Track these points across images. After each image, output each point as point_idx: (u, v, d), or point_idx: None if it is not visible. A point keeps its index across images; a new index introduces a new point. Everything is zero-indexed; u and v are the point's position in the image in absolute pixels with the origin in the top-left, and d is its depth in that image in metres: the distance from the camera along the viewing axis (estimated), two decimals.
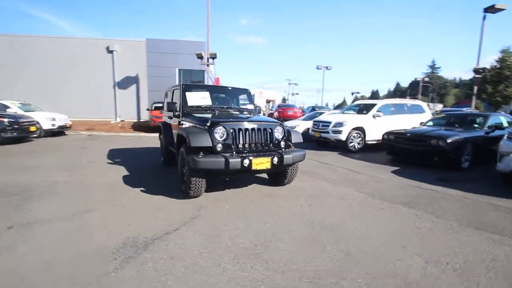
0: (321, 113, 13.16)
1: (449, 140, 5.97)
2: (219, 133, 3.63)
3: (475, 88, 15.65)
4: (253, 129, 3.85)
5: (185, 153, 3.70)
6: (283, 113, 16.25)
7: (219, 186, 4.34)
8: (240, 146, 3.75)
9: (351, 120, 8.77)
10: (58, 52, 16.79)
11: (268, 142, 3.96)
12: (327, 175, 5.51)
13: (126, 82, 17.34)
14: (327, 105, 59.61)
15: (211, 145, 3.52)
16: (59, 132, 11.04)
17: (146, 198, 3.88)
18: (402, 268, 2.20)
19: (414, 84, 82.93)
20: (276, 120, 4.28)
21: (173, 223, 3.01)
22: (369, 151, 8.55)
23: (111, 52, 16.80)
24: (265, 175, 4.87)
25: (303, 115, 15.76)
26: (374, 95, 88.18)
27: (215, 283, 1.96)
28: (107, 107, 17.08)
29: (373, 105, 9.40)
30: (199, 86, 5.13)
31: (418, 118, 9.72)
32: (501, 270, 2.18)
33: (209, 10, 13.08)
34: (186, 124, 4.29)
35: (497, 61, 18.57)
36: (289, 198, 3.98)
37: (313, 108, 17.44)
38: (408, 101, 10.53)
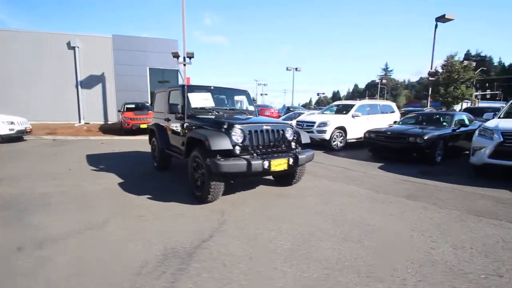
0: (298, 113, 13.60)
1: (425, 137, 6.62)
2: (237, 135, 3.59)
3: (430, 89, 17.46)
4: (267, 130, 3.88)
5: (201, 156, 3.59)
6: (260, 113, 16.39)
7: (228, 189, 4.28)
8: (256, 148, 3.75)
9: (334, 120, 9.22)
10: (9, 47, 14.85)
11: (281, 143, 4.02)
12: (324, 173, 5.74)
13: (91, 81, 16.00)
14: (299, 105, 61.31)
15: (231, 147, 3.47)
16: (17, 137, 9.80)
17: (158, 205, 3.67)
18: (438, 255, 2.42)
19: (370, 86, 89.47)
20: (285, 122, 4.35)
21: (203, 229, 2.91)
22: (350, 149, 9.09)
23: (72, 48, 15.33)
24: (269, 176, 4.91)
25: (279, 116, 16.10)
26: (335, 95, 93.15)
27: (282, 287, 1.97)
28: (69, 109, 15.58)
29: (352, 105, 9.99)
30: (200, 87, 4.95)
31: (389, 117, 10.57)
32: None
33: (184, 7, 12.66)
34: (195, 127, 4.14)
35: (445, 66, 20.95)
36: (302, 198, 4.08)
37: (288, 109, 17.89)
38: (380, 102, 11.38)
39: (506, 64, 60.04)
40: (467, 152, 7.95)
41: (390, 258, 2.37)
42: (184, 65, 13.00)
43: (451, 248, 2.55)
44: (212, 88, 5.03)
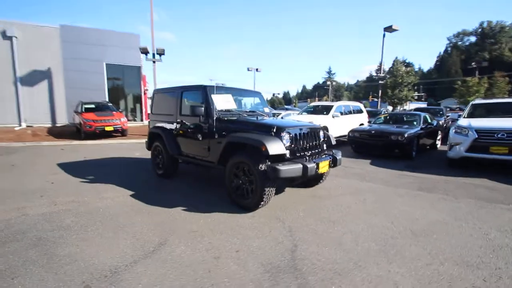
0: (272, 114, 13.81)
1: (406, 135, 7.43)
2: (286, 138, 3.51)
3: (380, 91, 19.58)
4: (307, 132, 3.87)
5: (251, 162, 3.39)
6: None
7: None
8: (300, 150, 3.72)
9: (318, 121, 9.63)
10: None
11: (317, 145, 4.07)
12: (332, 172, 5.97)
13: (34, 78, 13.54)
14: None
15: (285, 152, 3.37)
16: None
17: (202, 217, 3.34)
18: (494, 239, 2.76)
19: (317, 87, 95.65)
20: (315, 124, 4.40)
21: (280, 240, 2.77)
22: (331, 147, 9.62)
23: (8, 38, 12.72)
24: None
25: None
26: (286, 95, 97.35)
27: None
28: (5, 110, 12.93)
29: (331, 106, 10.59)
30: (219, 87, 4.67)
31: (360, 117, 11.56)
32: None
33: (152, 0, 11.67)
34: (227, 131, 3.89)
35: (390, 72, 23.80)
36: (337, 197, 4.18)
37: None
38: (351, 103, 12.31)
39: (425, 70, 70.91)
40: (428, 147, 9.28)
41: (466, 246, 2.62)
42: (154, 62, 11.99)
43: (498, 232, 2.94)
44: (229, 89, 4.79)
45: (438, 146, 9.64)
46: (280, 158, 3.40)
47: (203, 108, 4.15)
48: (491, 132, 5.66)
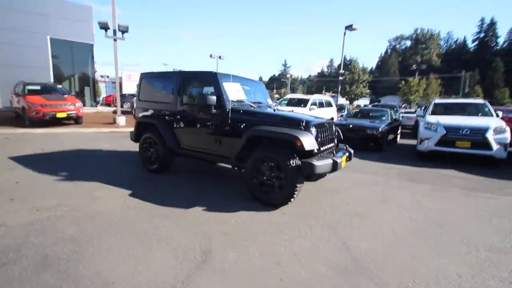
0: None
1: (379, 129, 8.06)
2: (314, 133, 3.42)
3: (339, 87, 20.81)
4: (326, 127, 3.84)
5: (279, 158, 3.23)
6: None
7: None
8: (322, 145, 3.68)
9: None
10: None
11: (333, 140, 4.08)
12: None
13: None
14: None
15: (317, 147, 3.29)
16: None
17: (231, 216, 3.09)
18: (490, 226, 3.14)
19: (273, 79, 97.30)
20: (327, 118, 4.39)
21: (324, 236, 2.71)
22: None
23: None
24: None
25: None
26: None
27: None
28: None
29: (307, 100, 10.86)
30: (225, 75, 4.32)
31: (330, 110, 12.13)
32: None
33: None
34: (246, 124, 3.63)
35: (348, 70, 25.37)
36: (346, 190, 4.29)
37: None
38: (323, 97, 12.79)
39: (368, 69, 77.72)
40: (391, 140, 10.24)
41: (483, 233, 2.92)
42: (115, 40, 10.56)
43: (497, 218, 3.36)
44: (236, 77, 4.45)
45: (398, 139, 10.68)
46: (308, 154, 3.31)
47: (215, 98, 3.78)
48: (458, 128, 6.45)
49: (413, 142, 9.37)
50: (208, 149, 4.09)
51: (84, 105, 15.43)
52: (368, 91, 30.89)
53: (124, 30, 10.52)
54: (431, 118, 7.39)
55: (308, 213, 3.29)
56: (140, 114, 4.89)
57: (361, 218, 3.21)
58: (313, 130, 3.40)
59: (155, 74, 4.86)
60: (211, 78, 4.00)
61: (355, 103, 25.61)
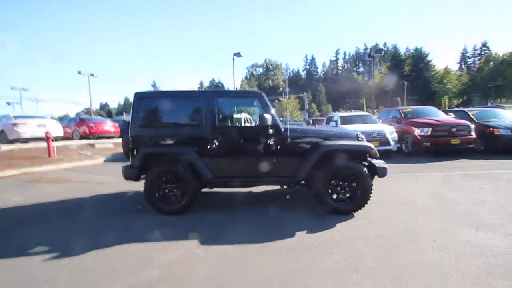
0: None
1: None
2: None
3: None
4: None
5: (355, 166, 3.57)
6: (95, 129, 11.80)
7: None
8: None
9: None
10: None
11: None
12: None
13: None
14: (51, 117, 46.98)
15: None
16: None
17: (299, 237, 3.11)
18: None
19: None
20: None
21: (400, 237, 2.97)
22: None
23: None
24: None
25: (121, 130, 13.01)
26: (104, 107, 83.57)
27: None
28: None
29: None
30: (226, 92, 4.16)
31: None
32: None
33: None
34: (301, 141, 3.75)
35: None
36: None
37: None
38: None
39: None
40: None
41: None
42: None
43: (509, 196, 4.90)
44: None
45: None
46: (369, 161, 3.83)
47: (271, 117, 3.63)
48: (371, 133, 8.86)
49: None
50: (258, 173, 3.76)
51: None
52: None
53: None
54: (346, 128, 9.65)
55: (357, 212, 3.75)
56: (138, 143, 3.75)
57: (411, 211, 3.99)
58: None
59: (167, 93, 3.92)
60: (258, 98, 3.79)
61: None
